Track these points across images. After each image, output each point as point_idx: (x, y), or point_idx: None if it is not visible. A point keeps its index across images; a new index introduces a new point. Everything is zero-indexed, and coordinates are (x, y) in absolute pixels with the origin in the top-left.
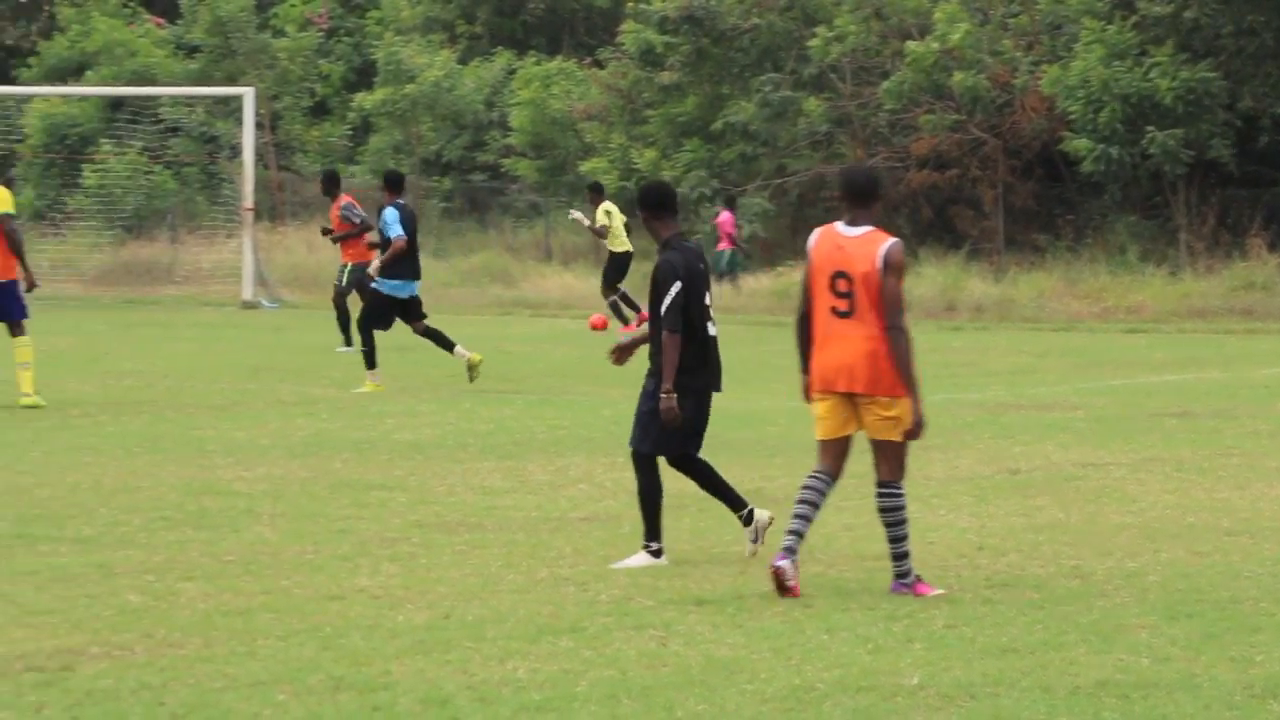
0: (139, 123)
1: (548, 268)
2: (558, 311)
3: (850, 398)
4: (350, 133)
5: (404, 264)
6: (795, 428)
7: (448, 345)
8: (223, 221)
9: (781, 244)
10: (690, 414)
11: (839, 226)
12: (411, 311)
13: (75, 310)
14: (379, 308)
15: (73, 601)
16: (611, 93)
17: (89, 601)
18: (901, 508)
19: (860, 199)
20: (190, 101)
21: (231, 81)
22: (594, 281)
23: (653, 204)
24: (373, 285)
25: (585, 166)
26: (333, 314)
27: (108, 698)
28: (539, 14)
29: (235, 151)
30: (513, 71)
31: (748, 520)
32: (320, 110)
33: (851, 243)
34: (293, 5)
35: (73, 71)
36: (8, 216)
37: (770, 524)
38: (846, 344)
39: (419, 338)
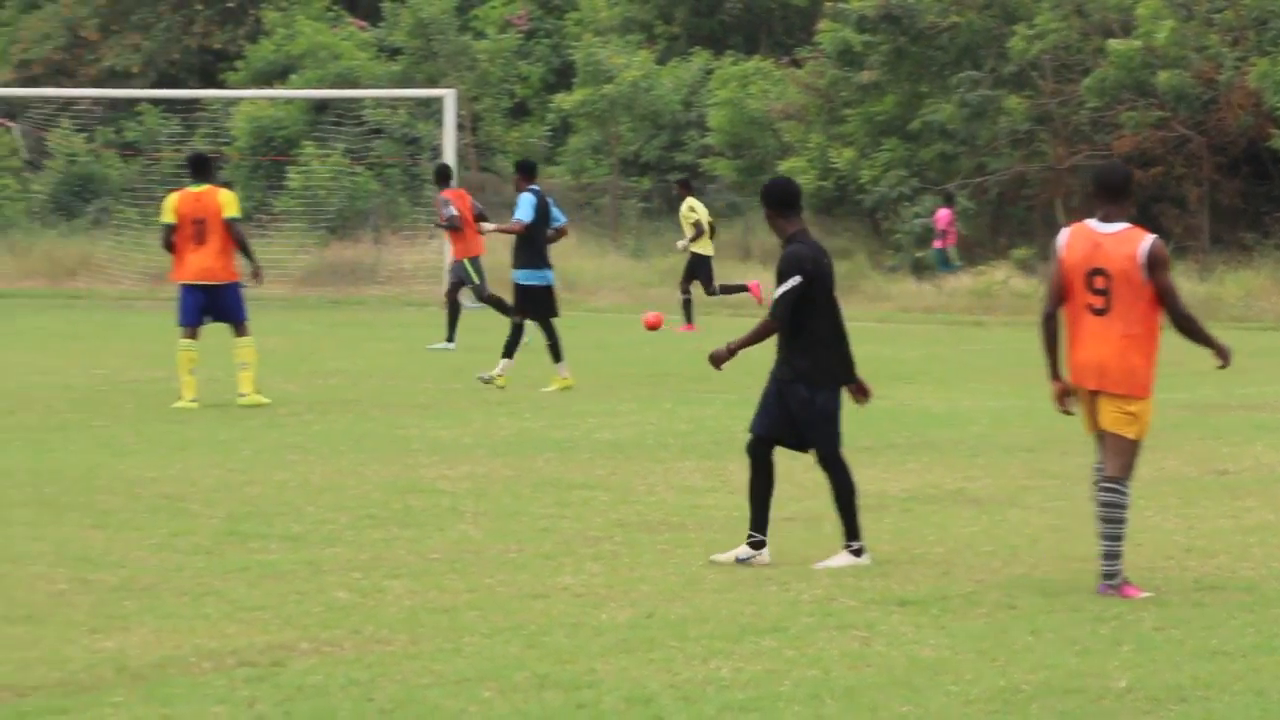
0: (342, 125)
1: (746, 266)
2: (756, 311)
3: (1093, 394)
4: (549, 133)
5: (529, 252)
6: (997, 428)
7: (511, 349)
8: (424, 222)
9: (981, 243)
10: (834, 408)
11: (1092, 224)
12: (537, 304)
13: (282, 310)
14: (524, 302)
15: (283, 598)
16: (809, 92)
17: (298, 598)
18: (1123, 507)
19: (1114, 195)
20: (392, 103)
21: (432, 83)
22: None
23: (779, 201)
24: (515, 281)
25: (784, 166)
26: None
27: (317, 693)
28: (736, 13)
29: (436, 153)
30: (710, 71)
31: (755, 545)
32: (520, 111)
33: (1109, 240)
34: (493, 7)
35: (278, 75)
36: (234, 220)
37: (758, 564)
38: (1102, 342)
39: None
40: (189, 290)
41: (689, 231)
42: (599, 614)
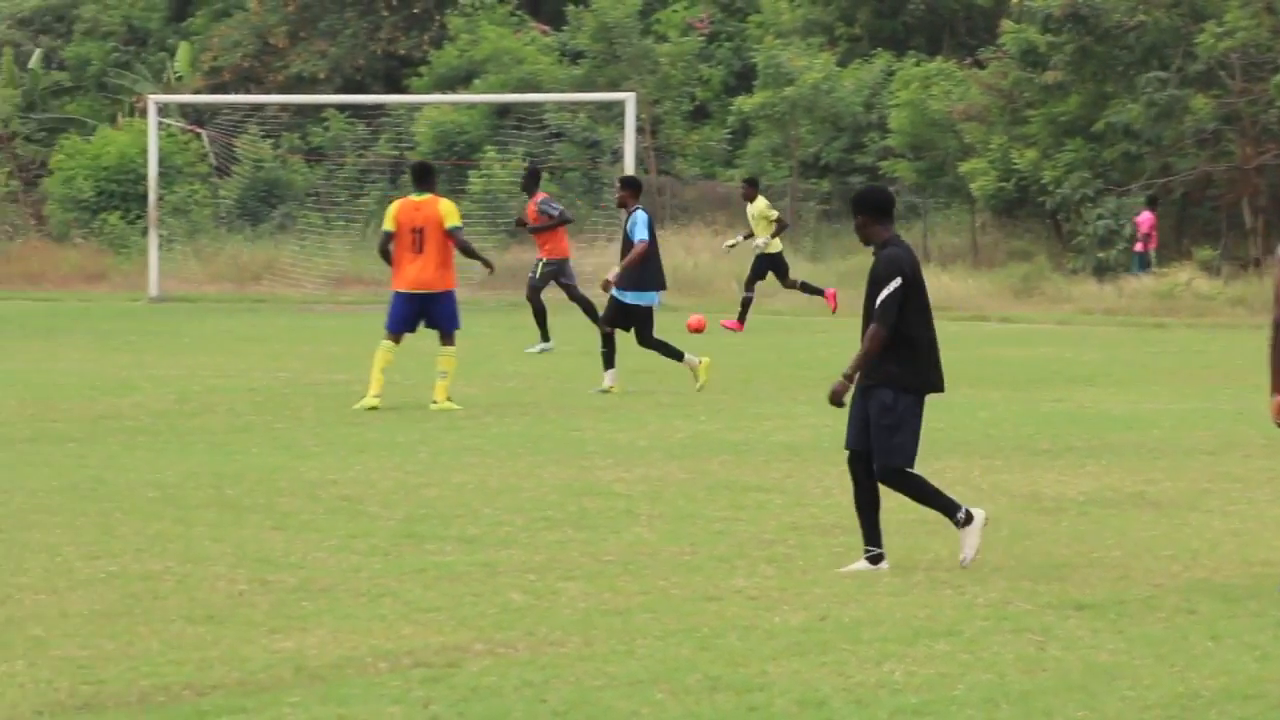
0: (523, 129)
1: (925, 269)
2: (934, 313)
3: None
4: (729, 136)
5: (643, 273)
6: (1179, 431)
7: (609, 359)
8: (603, 226)
9: (1166, 244)
10: (913, 418)
11: None
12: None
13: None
14: (620, 316)
15: (458, 599)
16: (992, 93)
17: (474, 600)
18: None
19: None
20: (573, 107)
21: (614, 87)
22: (972, 283)
23: (877, 208)
24: (613, 294)
25: (965, 167)
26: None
27: (492, 694)
28: (919, 15)
29: (616, 156)
30: (892, 73)
31: (874, 559)
32: (700, 114)
33: None
34: (674, 11)
35: (461, 80)
36: (456, 230)
37: (875, 571)
38: None
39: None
40: (403, 299)
41: (764, 231)
42: (772, 617)
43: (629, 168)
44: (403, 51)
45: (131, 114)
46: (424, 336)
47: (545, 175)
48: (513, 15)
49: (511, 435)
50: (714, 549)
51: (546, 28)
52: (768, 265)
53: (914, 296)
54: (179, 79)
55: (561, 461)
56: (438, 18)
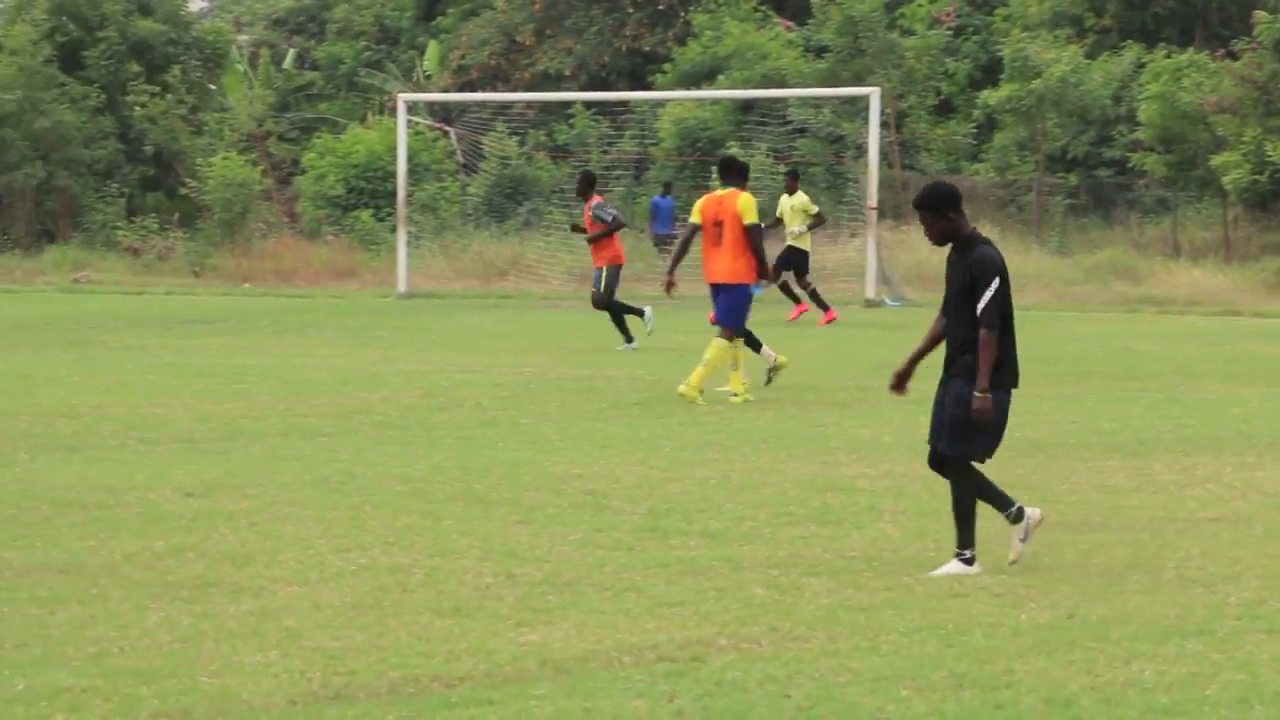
0: (767, 124)
1: (1175, 264)
2: (1184, 308)
3: None
4: (974, 130)
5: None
6: None
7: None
8: (847, 221)
9: None
10: (1003, 413)
11: None
12: None
13: (706, 308)
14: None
15: (701, 594)
16: (1245, 84)
17: (717, 595)
18: None
19: None
20: (817, 102)
21: (858, 81)
22: (1223, 278)
23: (953, 202)
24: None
25: (1216, 160)
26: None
27: (735, 689)
28: (1170, 5)
29: (860, 151)
30: (1142, 65)
31: (1016, 518)
32: (945, 108)
33: None
34: (920, 5)
35: (705, 76)
36: (753, 227)
37: (1040, 522)
38: None
39: None
40: (711, 289)
41: (798, 223)
42: (1018, 614)
43: (873, 163)
44: (647, 48)
45: (381, 113)
46: (686, 332)
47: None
48: (756, 11)
49: (754, 430)
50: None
51: (790, 23)
52: (796, 258)
53: (1009, 294)
54: (428, 78)
55: (804, 457)
56: (682, 14)
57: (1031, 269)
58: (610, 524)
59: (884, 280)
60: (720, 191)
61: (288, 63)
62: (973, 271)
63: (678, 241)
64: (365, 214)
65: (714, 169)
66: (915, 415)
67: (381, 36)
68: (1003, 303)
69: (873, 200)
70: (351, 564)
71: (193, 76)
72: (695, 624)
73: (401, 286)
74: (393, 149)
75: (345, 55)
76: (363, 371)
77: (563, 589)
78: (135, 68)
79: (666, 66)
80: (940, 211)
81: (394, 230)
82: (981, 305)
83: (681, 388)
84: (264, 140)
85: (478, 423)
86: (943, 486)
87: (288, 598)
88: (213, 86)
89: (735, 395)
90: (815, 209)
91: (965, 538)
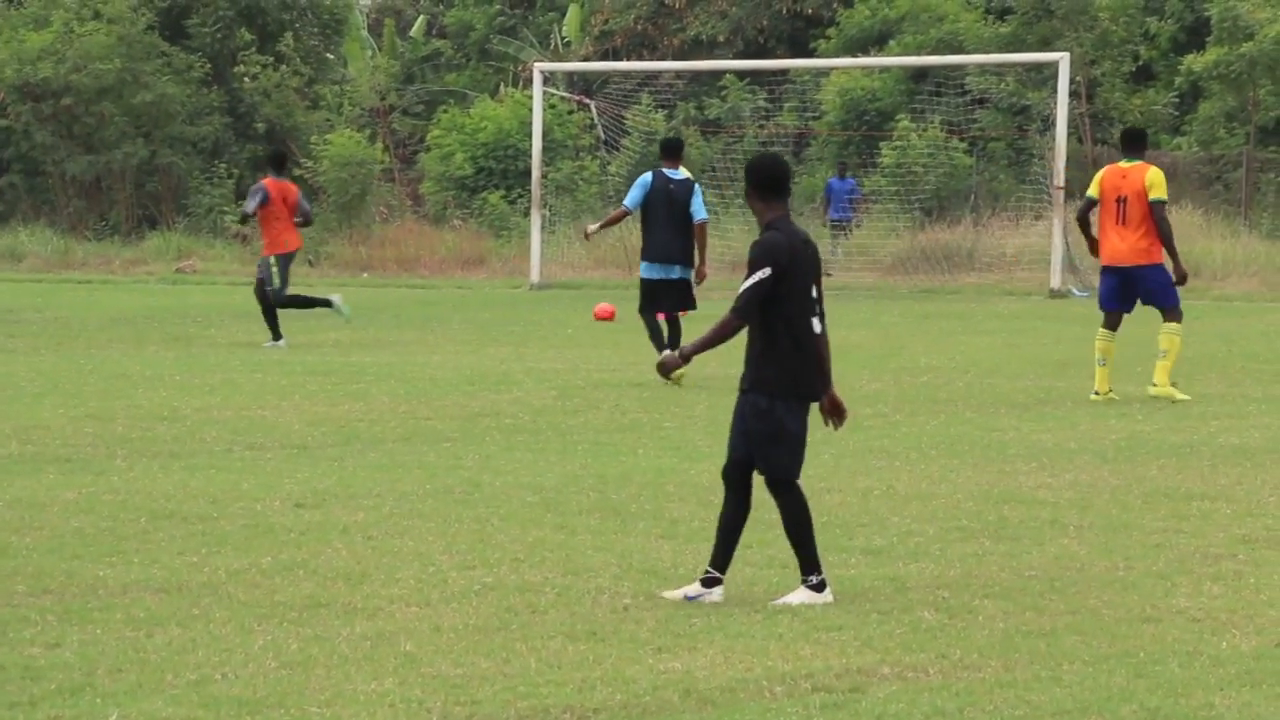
0: (942, 95)
1: None
2: None
3: None
4: (1176, 99)
5: (650, 244)
6: None
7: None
8: (1030, 202)
9: None
10: (793, 425)
11: None
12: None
13: (869, 300)
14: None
15: (863, 617)
16: None
17: (880, 618)
18: None
19: None
20: (999, 70)
21: (1046, 46)
22: None
23: (761, 182)
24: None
25: None
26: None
27: None
28: None
29: (1047, 124)
30: None
31: (709, 581)
32: (1143, 75)
33: None
34: None
35: (874, 41)
36: (1159, 203)
37: (709, 601)
38: None
39: None
40: (1106, 273)
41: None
42: (1219, 641)
43: (1060, 138)
44: (810, 11)
45: (515, 84)
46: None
47: (961, 144)
48: None
49: (924, 435)
50: (1152, 564)
51: None
52: None
53: (793, 290)
54: (567, 45)
55: (979, 465)
56: None
57: (1240, 254)
58: (761, 539)
59: (1071, 268)
60: (1125, 164)
61: (415, 31)
62: (751, 254)
63: (1077, 218)
64: (495, 196)
65: (880, 144)
66: (1105, 419)
67: (517, 0)
68: (786, 300)
69: (1060, 179)
70: (476, 583)
71: (309, 45)
72: (855, 651)
73: (535, 276)
74: (525, 124)
75: (477, 21)
76: (491, 370)
77: (708, 611)
78: (246, 36)
79: (830, 32)
80: (749, 186)
81: (527, 214)
82: (742, 287)
83: (1153, 390)
84: (386, 115)
85: (616, 427)
86: (1134, 498)
87: (406, 620)
88: (331, 56)
89: (1154, 387)
90: None
91: (808, 563)
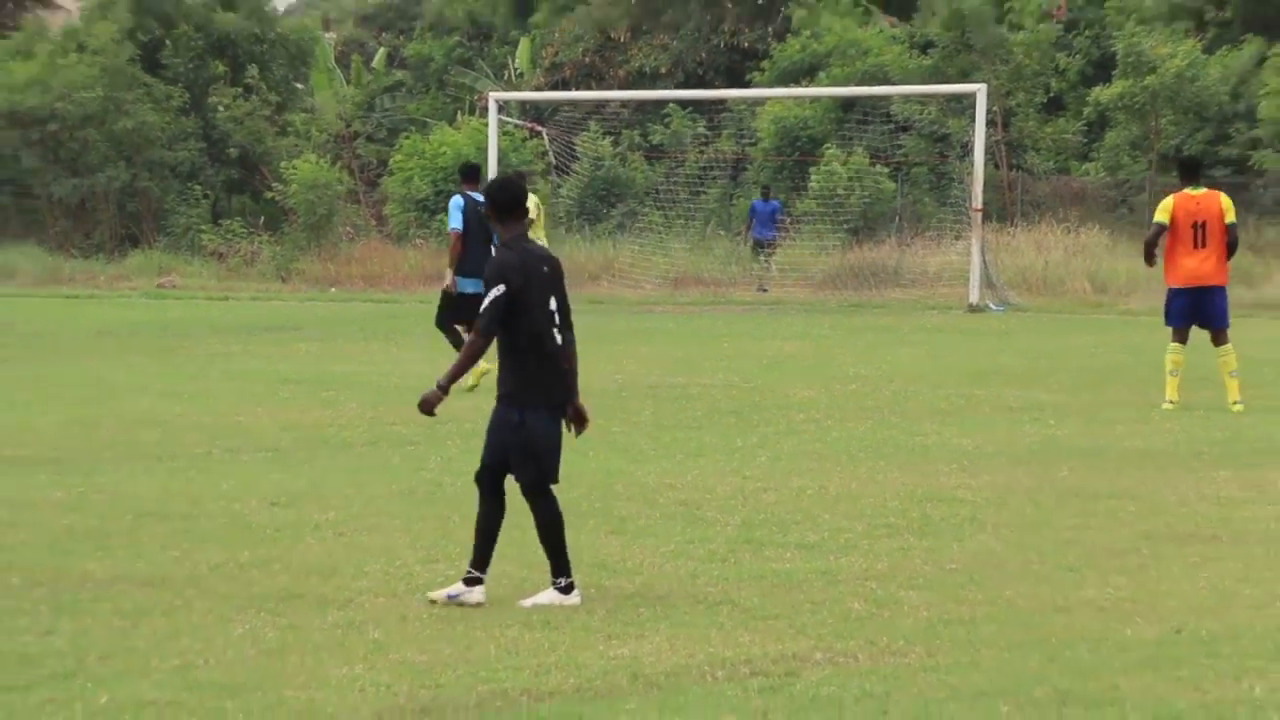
0: (869, 123)
1: None
2: None
3: None
4: (1084, 128)
5: (467, 260)
6: None
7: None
8: (950, 223)
9: None
10: (542, 434)
11: None
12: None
13: (802, 314)
14: (446, 305)
15: (797, 607)
16: None
17: (813, 608)
18: None
19: None
20: (922, 100)
21: (965, 78)
22: None
23: (496, 204)
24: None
25: None
26: None
27: (831, 704)
28: None
29: (966, 150)
30: (1264, 59)
31: (470, 581)
32: (1054, 106)
33: None
34: None
35: (805, 73)
36: (1234, 226)
37: (473, 605)
38: None
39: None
40: (1177, 294)
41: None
42: (1123, 628)
43: (978, 163)
44: (746, 45)
45: (472, 112)
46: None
47: (883, 169)
48: (857, 5)
49: (853, 439)
50: (1062, 558)
51: (894, 20)
52: None
53: (530, 305)
54: (520, 76)
55: (904, 467)
56: (782, 9)
57: (1143, 272)
58: (703, 535)
59: (988, 284)
60: (1193, 191)
61: (377, 61)
62: (485, 275)
63: (1145, 242)
64: None
65: (811, 169)
66: (1020, 425)
67: (474, 33)
68: (524, 315)
69: (977, 201)
70: (439, 575)
71: (277, 74)
72: (790, 638)
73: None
74: (481, 150)
75: (436, 53)
76: None
77: (654, 602)
78: (219, 67)
79: (765, 64)
80: (488, 208)
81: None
82: (481, 308)
83: (1237, 407)
84: (351, 141)
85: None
86: (1046, 498)
87: (374, 610)
88: (299, 86)
89: (1237, 404)
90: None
91: (558, 565)
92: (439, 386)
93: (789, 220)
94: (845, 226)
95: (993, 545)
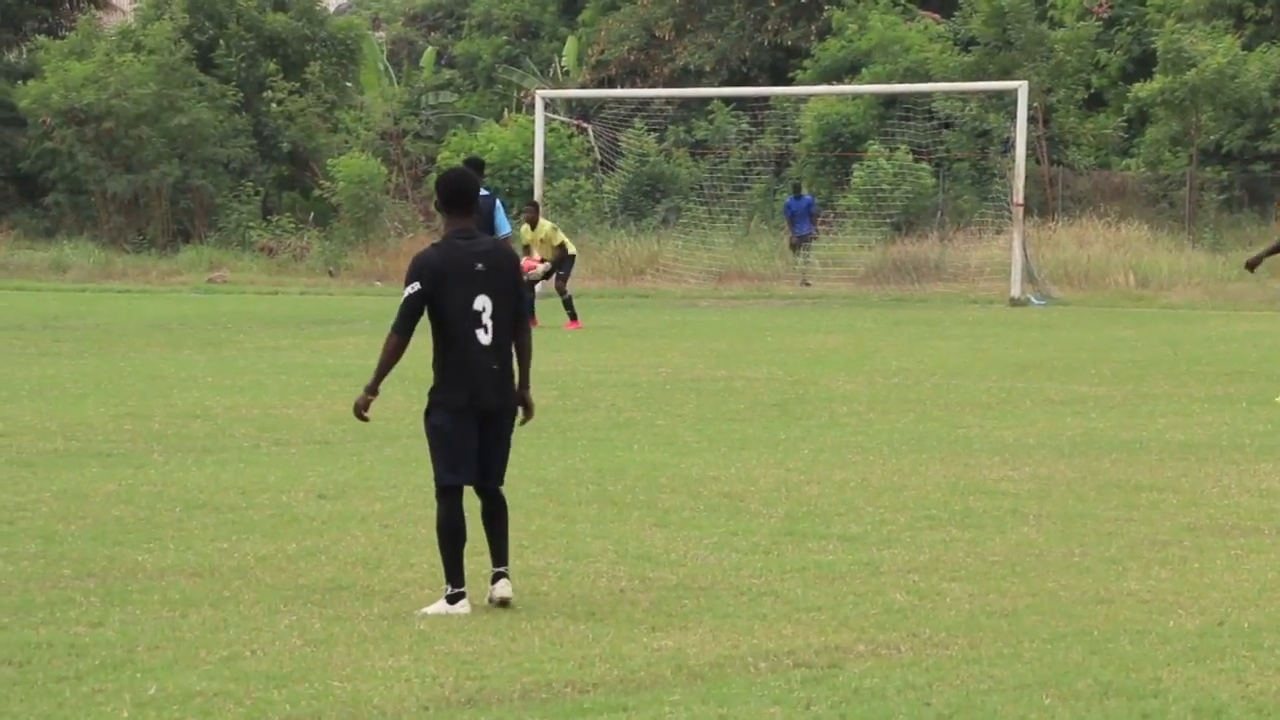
0: (911, 119)
1: None
2: None
3: None
4: (1125, 124)
5: None
6: None
7: None
8: (992, 218)
9: None
10: (436, 433)
11: None
12: None
13: (845, 308)
14: None
15: (839, 599)
16: None
17: (855, 599)
18: None
19: None
20: (963, 96)
21: (1005, 75)
22: None
23: (441, 199)
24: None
25: None
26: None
27: (874, 696)
28: None
29: (1007, 146)
30: None
31: (494, 579)
32: (1095, 102)
33: None
34: None
35: (847, 70)
36: None
37: (502, 604)
38: None
39: None
40: None
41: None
42: (1166, 621)
43: (1019, 159)
44: (789, 43)
45: (519, 109)
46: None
47: (926, 165)
48: (896, 4)
49: (895, 432)
50: (1105, 550)
51: (936, 15)
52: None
53: (447, 304)
54: (566, 74)
55: (946, 459)
56: (826, 8)
57: (1184, 266)
58: (747, 527)
59: (1029, 278)
60: None
61: (425, 59)
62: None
63: (1264, 252)
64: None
65: (854, 165)
66: (1062, 417)
67: (521, 31)
68: (441, 312)
69: (1019, 196)
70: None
71: (328, 73)
72: (833, 630)
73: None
74: (528, 146)
75: (484, 51)
76: None
77: (698, 593)
78: (271, 66)
79: (807, 62)
80: (436, 200)
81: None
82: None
83: None
84: (399, 138)
85: (613, 424)
86: (1088, 490)
87: (420, 601)
88: (349, 84)
89: None
90: (560, 239)
91: (448, 573)
92: (367, 390)
93: (831, 215)
94: (888, 221)
95: (1035, 537)
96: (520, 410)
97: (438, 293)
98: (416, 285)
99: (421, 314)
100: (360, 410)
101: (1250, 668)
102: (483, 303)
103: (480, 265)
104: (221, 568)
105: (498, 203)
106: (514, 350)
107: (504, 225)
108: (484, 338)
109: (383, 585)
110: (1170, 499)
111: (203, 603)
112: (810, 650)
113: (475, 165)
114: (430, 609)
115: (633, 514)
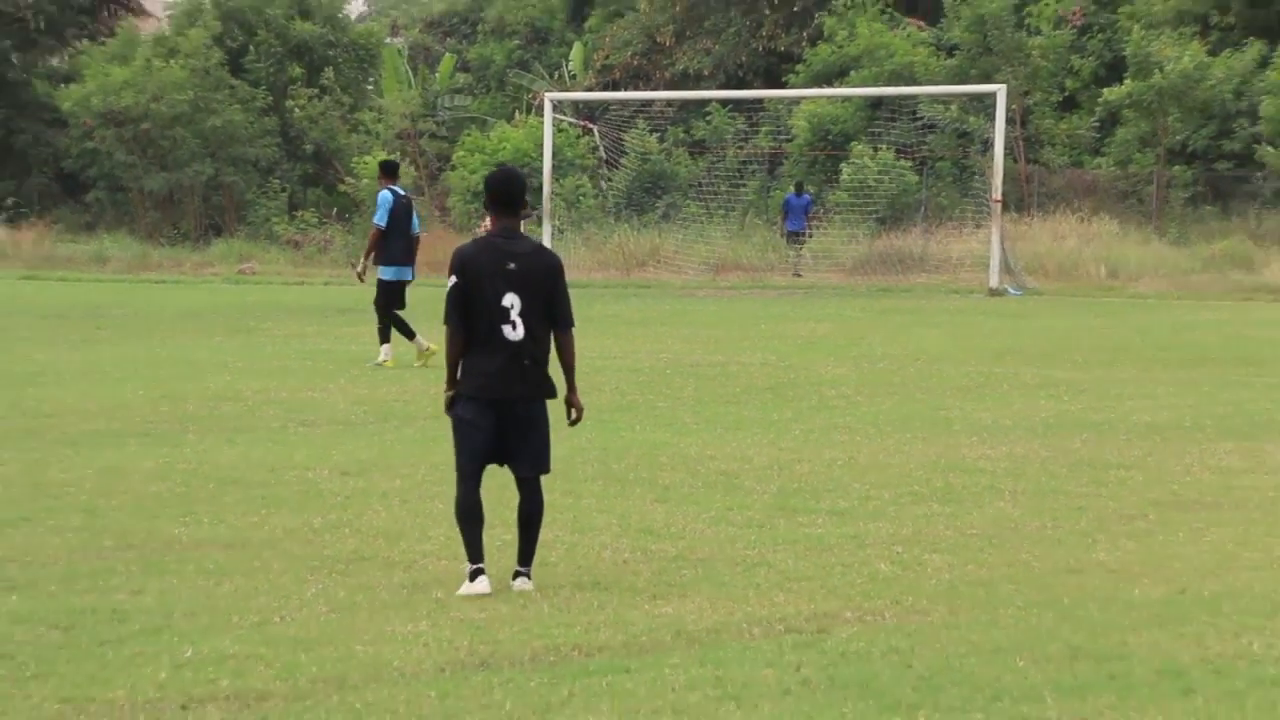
0: (896, 120)
1: None
2: None
3: None
4: (1097, 125)
5: (392, 250)
6: None
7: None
8: (972, 213)
9: None
10: (468, 421)
11: None
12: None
13: (834, 298)
14: (388, 294)
15: (828, 569)
16: None
17: (843, 570)
18: None
19: None
20: (945, 99)
21: (985, 79)
22: None
23: (490, 196)
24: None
25: None
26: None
27: (859, 659)
28: None
29: (986, 146)
30: (1265, 61)
31: (515, 576)
32: (1069, 104)
33: None
34: (1047, 4)
35: (837, 74)
36: None
37: (480, 594)
38: None
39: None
40: None
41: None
42: (1132, 589)
43: (998, 158)
44: (782, 48)
45: (528, 111)
46: (819, 320)
47: (907, 164)
48: (883, 12)
49: (881, 414)
50: (1075, 524)
51: (921, 22)
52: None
53: (478, 299)
54: (573, 77)
55: (928, 439)
56: (817, 15)
57: (1151, 258)
58: (742, 503)
59: (1007, 270)
60: None
61: (443, 66)
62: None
63: None
64: None
65: (842, 163)
66: (1036, 400)
67: (532, 36)
68: (471, 307)
69: (997, 193)
70: (496, 540)
71: (348, 76)
72: (822, 598)
73: None
74: (538, 145)
75: (496, 55)
76: None
77: (696, 564)
78: (296, 70)
79: (799, 67)
80: (486, 195)
81: (539, 223)
82: None
83: None
84: (416, 138)
85: (616, 406)
86: (1060, 467)
87: (437, 571)
88: (369, 86)
89: None
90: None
91: (468, 552)
92: (446, 386)
93: (821, 211)
94: (874, 216)
95: (1010, 511)
96: (569, 410)
97: (469, 286)
98: (454, 279)
99: (465, 305)
100: (448, 408)
101: (1210, 633)
102: (511, 300)
103: (512, 265)
104: (252, 540)
105: (412, 203)
106: (557, 353)
107: (417, 225)
108: (511, 334)
109: (402, 556)
110: (1137, 476)
111: (235, 572)
112: (800, 617)
113: (389, 169)
114: (460, 590)
115: (635, 490)
